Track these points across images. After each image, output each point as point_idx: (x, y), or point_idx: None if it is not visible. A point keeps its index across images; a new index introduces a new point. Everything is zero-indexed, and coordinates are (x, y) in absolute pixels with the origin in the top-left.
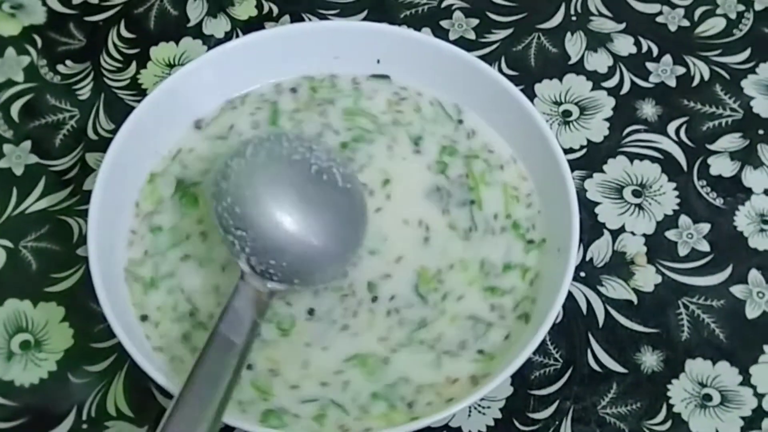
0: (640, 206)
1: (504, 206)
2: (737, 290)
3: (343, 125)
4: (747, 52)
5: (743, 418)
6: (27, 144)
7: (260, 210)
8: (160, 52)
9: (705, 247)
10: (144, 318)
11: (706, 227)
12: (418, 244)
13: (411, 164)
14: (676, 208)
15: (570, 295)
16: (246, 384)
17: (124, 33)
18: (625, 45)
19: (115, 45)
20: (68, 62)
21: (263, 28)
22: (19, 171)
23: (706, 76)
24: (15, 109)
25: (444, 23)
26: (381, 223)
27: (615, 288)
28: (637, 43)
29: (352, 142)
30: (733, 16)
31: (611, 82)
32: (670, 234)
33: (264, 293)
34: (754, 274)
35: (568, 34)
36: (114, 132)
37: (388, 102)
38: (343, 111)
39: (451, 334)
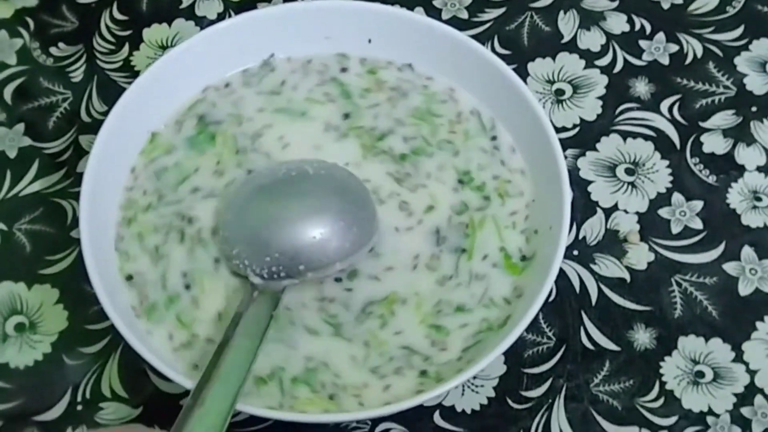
0: (633, 184)
1: (498, 242)
2: (730, 267)
3: (409, 130)
4: (740, 29)
5: (736, 395)
6: (20, 127)
7: (238, 221)
8: (153, 33)
9: (698, 224)
10: (129, 278)
11: (698, 205)
12: (406, 270)
13: (447, 196)
14: (669, 185)
15: (563, 273)
16: (171, 316)
17: (117, 15)
18: (618, 23)
19: (107, 27)
20: (61, 44)
21: (256, 8)
22: (12, 154)
23: (699, 54)
24: (8, 92)
25: (436, 2)
26: (404, 239)
27: (608, 266)
28: (630, 21)
29: (412, 155)
30: None
31: (604, 61)
32: (663, 212)
33: (278, 291)
34: (747, 251)
35: (561, 13)
36: (107, 114)
37: (450, 122)
38: (413, 110)
39: (375, 355)
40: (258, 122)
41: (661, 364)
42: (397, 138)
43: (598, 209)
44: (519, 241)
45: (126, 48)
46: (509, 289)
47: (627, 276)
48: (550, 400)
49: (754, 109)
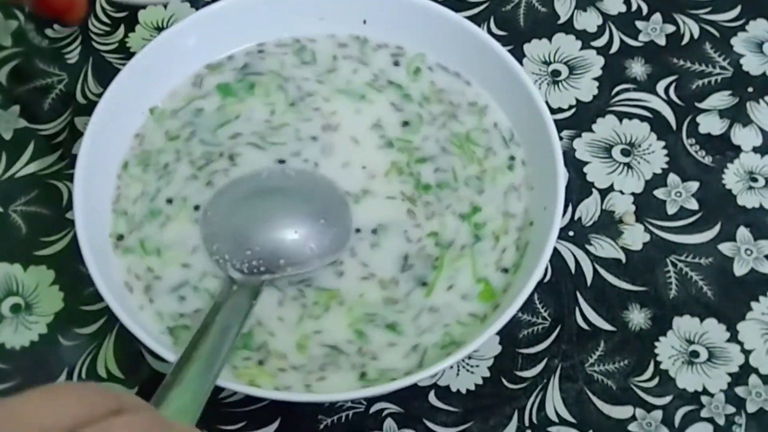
0: (628, 165)
1: (472, 276)
2: (725, 248)
3: (446, 161)
4: (737, 10)
5: (730, 375)
6: (15, 108)
7: (220, 219)
8: (149, 15)
9: (693, 205)
10: (120, 238)
11: (694, 185)
12: (357, 278)
13: (450, 230)
14: (665, 166)
15: (558, 254)
16: (137, 244)
17: None
18: (614, 3)
19: (103, 8)
20: (56, 26)
21: None
22: (8, 135)
23: (696, 34)
24: (3, 74)
25: None
26: (402, 247)
27: (603, 247)
28: (627, 2)
29: (435, 188)
30: None
31: (600, 41)
32: (659, 192)
33: (258, 285)
34: (743, 232)
35: None
36: (102, 95)
37: (479, 161)
38: (455, 136)
39: (294, 344)
40: (311, 86)
41: (656, 344)
42: (431, 167)
43: (594, 190)
44: (504, 257)
45: (121, 30)
46: (481, 308)
47: (622, 256)
48: (545, 380)
49: (750, 89)
